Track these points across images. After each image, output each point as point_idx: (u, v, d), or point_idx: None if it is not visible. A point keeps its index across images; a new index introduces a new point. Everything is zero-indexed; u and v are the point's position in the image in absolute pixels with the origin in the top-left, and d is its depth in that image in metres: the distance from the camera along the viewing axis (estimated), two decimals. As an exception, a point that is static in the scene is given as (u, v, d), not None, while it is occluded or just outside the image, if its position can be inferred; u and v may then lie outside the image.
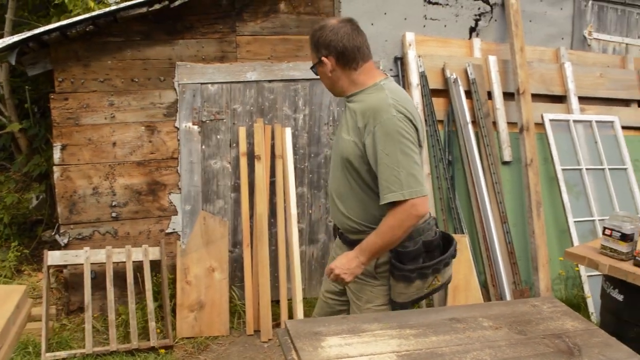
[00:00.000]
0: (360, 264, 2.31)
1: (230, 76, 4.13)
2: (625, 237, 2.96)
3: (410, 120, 2.24)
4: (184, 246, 4.13)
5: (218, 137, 4.20)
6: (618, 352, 1.96)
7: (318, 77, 2.42)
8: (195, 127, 4.13)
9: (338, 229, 2.53)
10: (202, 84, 4.09)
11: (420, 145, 2.30)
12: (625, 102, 5.23)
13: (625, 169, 4.88)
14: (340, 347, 1.84)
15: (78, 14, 4.44)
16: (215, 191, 4.26)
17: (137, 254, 3.99)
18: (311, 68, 2.42)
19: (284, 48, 4.25)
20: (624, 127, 5.02)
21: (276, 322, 4.17)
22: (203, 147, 4.18)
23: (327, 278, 2.45)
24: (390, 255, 2.33)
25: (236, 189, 4.27)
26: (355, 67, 2.32)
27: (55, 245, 4.19)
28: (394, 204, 2.20)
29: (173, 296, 4.05)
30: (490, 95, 4.67)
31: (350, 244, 2.41)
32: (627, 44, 5.39)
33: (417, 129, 2.27)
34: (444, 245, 2.44)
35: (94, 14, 3.73)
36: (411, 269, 2.29)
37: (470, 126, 4.43)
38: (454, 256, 2.44)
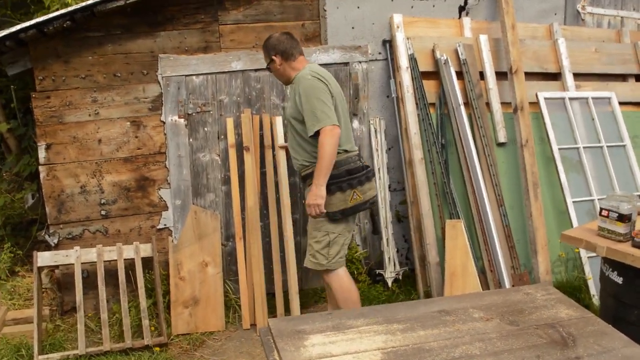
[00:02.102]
0: (320, 186, 3.22)
1: (214, 67, 4.04)
2: (623, 218, 2.88)
3: (321, 80, 3.29)
4: (176, 242, 4.07)
5: (205, 129, 4.12)
6: (614, 341, 1.88)
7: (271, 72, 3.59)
8: (182, 120, 4.05)
9: (300, 175, 3.51)
10: (186, 75, 4.01)
11: (333, 97, 3.32)
12: (622, 77, 5.11)
13: (624, 145, 4.78)
14: (323, 345, 1.77)
15: (56, 10, 4.34)
16: (206, 184, 4.19)
17: (129, 252, 3.93)
18: (266, 67, 3.57)
19: (269, 36, 4.15)
20: (621, 103, 4.90)
21: (272, 315, 4.11)
22: (191, 140, 4.10)
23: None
24: None
25: (226, 181, 4.20)
26: (292, 59, 3.46)
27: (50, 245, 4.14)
28: (317, 134, 3.21)
29: (167, 293, 4.00)
30: (482, 75, 4.56)
31: (305, 180, 3.47)
32: (622, 17, 5.26)
33: (328, 85, 3.31)
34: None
35: (70, 9, 3.64)
36: (330, 182, 3.25)
37: (462, 108, 4.33)
38: (368, 177, 3.42)
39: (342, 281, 3.46)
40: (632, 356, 1.80)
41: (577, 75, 4.85)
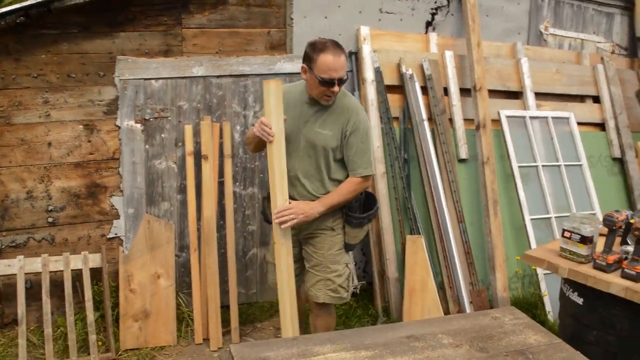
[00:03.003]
0: (317, 212, 2.96)
1: (175, 71, 3.89)
2: (585, 240, 2.88)
3: None
4: (127, 252, 3.89)
5: (163, 135, 3.96)
6: (584, 370, 1.85)
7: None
8: (138, 125, 3.88)
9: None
10: (145, 79, 3.84)
11: None
12: (581, 98, 5.20)
13: (581, 165, 4.85)
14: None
15: (10, 4, 4.12)
16: (160, 193, 4.03)
17: (76, 262, 3.73)
18: (343, 79, 2.92)
19: (233, 42, 4.03)
20: (579, 123, 4.99)
21: (226, 328, 3.98)
22: (147, 146, 3.94)
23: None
24: (344, 211, 3.09)
25: (182, 190, 4.05)
26: None
27: None
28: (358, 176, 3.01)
29: (116, 305, 3.81)
30: (446, 91, 4.56)
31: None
32: (582, 40, 5.36)
33: None
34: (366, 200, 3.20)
35: (25, 4, 3.43)
36: (363, 216, 3.10)
37: (426, 123, 4.30)
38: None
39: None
40: (603, 388, 1.77)
41: (538, 95, 4.91)
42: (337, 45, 2.87)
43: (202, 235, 3.96)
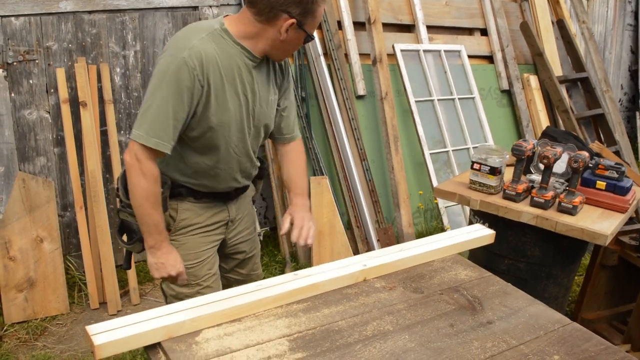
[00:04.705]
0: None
1: (38, 6, 3.39)
2: (494, 171, 2.86)
3: None
4: (1, 216, 3.44)
5: (31, 81, 3.48)
6: (518, 300, 1.80)
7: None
8: (0, 71, 3.38)
9: (236, 189, 2.23)
10: (2, 17, 3.32)
11: None
12: (469, 31, 5.22)
13: (473, 98, 4.90)
14: (219, 339, 1.46)
15: None
16: (34, 147, 3.57)
17: (-61, 231, 3.25)
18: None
19: (105, -28, 3.59)
20: (469, 56, 5.01)
21: (124, 289, 3.68)
22: (12, 95, 3.45)
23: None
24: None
25: (60, 142, 3.61)
26: None
27: None
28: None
29: (-7, 276, 3.39)
30: (340, 25, 4.37)
31: (244, 190, 2.29)
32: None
33: None
34: None
35: None
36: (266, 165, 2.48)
37: (322, 59, 4.11)
38: None
39: None
40: (538, 314, 1.73)
41: (430, 28, 4.85)
42: None
43: (87, 191, 3.58)
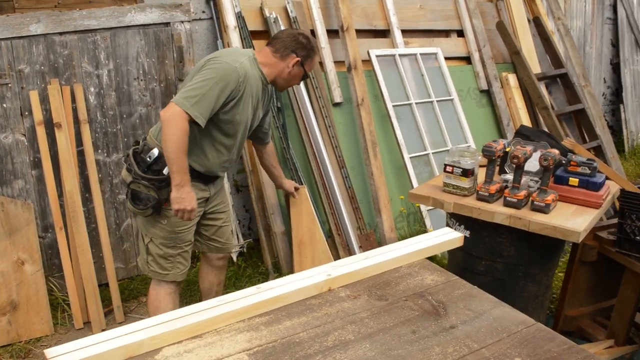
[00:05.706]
0: None
1: (8, 31, 3.40)
2: (467, 173, 2.87)
3: None
4: (-21, 241, 3.44)
5: (5, 105, 3.49)
6: (483, 303, 1.80)
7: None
8: (-27, 96, 3.39)
9: (215, 177, 2.93)
10: (-27, 42, 3.34)
11: None
12: (446, 33, 5.24)
13: (452, 99, 4.92)
14: (178, 357, 1.46)
15: None
16: (12, 170, 3.57)
17: None
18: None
19: (74, -7, 3.60)
20: (446, 58, 5.03)
21: (108, 307, 3.68)
22: (-13, 119, 3.45)
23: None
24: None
25: (37, 164, 3.61)
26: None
27: None
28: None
29: (-26, 302, 3.38)
30: (313, 33, 4.39)
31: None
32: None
33: None
34: None
35: None
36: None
37: (297, 68, 4.12)
38: None
39: None
40: (502, 316, 1.72)
41: (405, 32, 4.87)
42: None
43: (66, 212, 3.58)
